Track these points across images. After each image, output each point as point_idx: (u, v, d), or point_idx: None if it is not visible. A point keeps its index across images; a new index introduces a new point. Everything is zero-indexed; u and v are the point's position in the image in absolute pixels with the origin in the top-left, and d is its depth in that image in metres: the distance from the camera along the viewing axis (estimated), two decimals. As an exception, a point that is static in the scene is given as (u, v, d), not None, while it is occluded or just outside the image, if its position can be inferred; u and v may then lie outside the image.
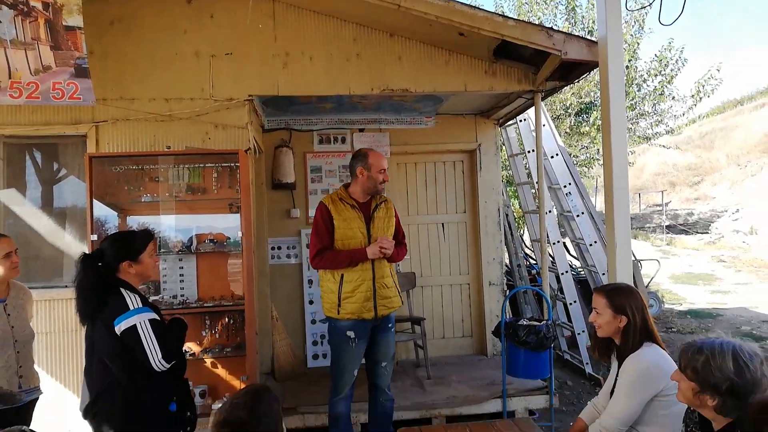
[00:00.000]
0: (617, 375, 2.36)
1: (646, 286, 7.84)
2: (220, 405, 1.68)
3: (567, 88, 12.27)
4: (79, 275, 2.40)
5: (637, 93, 12.51)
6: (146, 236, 2.59)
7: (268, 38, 4.09)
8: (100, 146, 3.95)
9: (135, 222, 4.04)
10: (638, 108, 12.94)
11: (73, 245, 4.06)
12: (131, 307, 2.38)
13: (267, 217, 5.07)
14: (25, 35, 3.48)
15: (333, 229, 3.28)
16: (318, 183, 5.25)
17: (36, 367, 3.07)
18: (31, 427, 2.91)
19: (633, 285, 2.68)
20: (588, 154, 13.34)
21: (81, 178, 4.04)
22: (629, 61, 12.21)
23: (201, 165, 4.04)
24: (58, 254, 4.08)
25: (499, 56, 4.20)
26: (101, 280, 2.42)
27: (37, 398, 3.06)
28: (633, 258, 7.21)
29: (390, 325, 3.44)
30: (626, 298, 2.34)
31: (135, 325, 2.35)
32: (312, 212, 5.14)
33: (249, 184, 3.92)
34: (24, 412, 2.94)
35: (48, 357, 3.82)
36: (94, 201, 3.68)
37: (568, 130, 13.51)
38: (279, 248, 5.16)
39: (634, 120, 13.83)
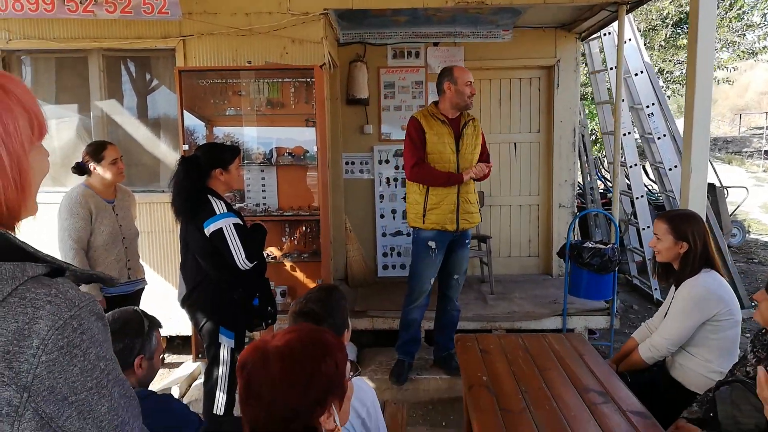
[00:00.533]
0: (673, 298, 2.42)
1: (731, 214, 7.48)
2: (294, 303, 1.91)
3: (665, -3, 11.22)
4: (178, 175, 2.71)
5: (745, 1, 11.25)
6: (235, 150, 2.88)
7: (345, -52, 4.04)
8: (187, 60, 4.16)
9: (221, 132, 4.29)
10: (746, 18, 11.67)
11: (168, 153, 4.41)
12: (218, 212, 2.66)
13: (341, 132, 5.22)
14: (118, -50, 3.63)
15: (425, 143, 3.39)
16: (391, 99, 5.28)
17: (141, 261, 3.51)
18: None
19: (706, 212, 2.65)
20: (684, 70, 12.34)
21: (171, 90, 4.30)
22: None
23: (279, 80, 4.18)
24: (154, 161, 4.45)
25: (585, -35, 3.94)
26: (195, 184, 2.71)
27: (143, 288, 3.52)
28: (719, 184, 6.89)
29: (467, 241, 3.63)
30: (689, 225, 2.34)
31: (222, 228, 2.64)
32: (384, 129, 5.27)
33: (324, 100, 4.04)
34: (132, 299, 3.39)
35: (150, 253, 4.29)
36: (187, 113, 3.96)
37: (663, 43, 12.49)
38: (353, 163, 5.34)
39: (740, 32, 12.55)
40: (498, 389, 2.14)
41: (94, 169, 3.15)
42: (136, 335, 1.79)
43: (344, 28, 5.10)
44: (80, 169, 3.15)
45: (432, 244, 3.48)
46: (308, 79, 4.11)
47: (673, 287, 2.48)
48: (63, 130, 4.42)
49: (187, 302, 2.89)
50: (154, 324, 1.90)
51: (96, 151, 3.16)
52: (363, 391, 1.71)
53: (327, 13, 4.15)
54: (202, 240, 2.71)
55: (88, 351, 0.83)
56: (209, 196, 2.72)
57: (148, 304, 3.64)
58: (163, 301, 3.90)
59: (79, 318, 0.82)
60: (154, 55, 4.37)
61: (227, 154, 2.81)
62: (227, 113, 4.22)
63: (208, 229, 2.66)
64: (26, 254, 0.84)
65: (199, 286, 2.81)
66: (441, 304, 3.75)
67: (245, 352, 1.15)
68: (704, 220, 2.43)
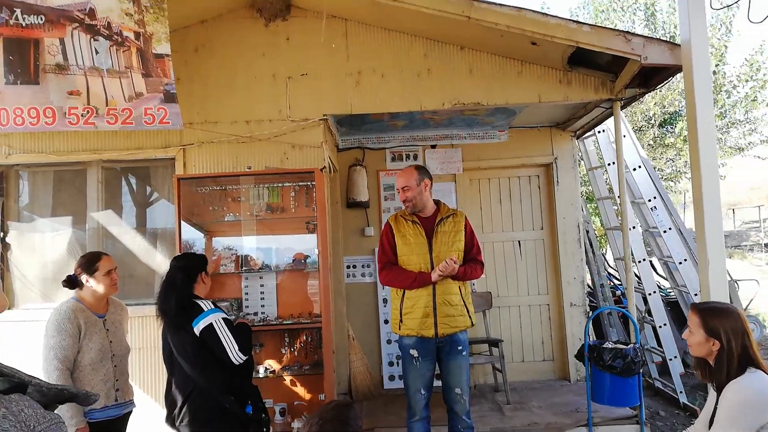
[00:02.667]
0: (716, 403, 2.16)
1: (745, 309, 7.23)
2: (303, 421, 1.69)
3: (648, 98, 11.75)
4: (176, 282, 2.79)
5: (726, 100, 11.79)
6: (205, 257, 3.06)
7: (341, 57, 4.18)
8: (187, 168, 4.16)
9: (220, 244, 4.21)
10: (728, 116, 12.16)
11: (163, 264, 4.27)
12: (205, 309, 2.70)
13: (342, 236, 5.13)
14: (119, 64, 3.73)
15: (395, 246, 3.28)
16: (391, 201, 5.26)
17: (130, 381, 3.23)
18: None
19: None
20: (674, 167, 12.65)
21: (170, 201, 4.26)
22: (716, 66, 11.53)
23: (279, 184, 4.16)
24: (149, 273, 4.30)
25: (574, 65, 4.06)
26: (188, 291, 2.79)
27: (131, 411, 3.20)
28: (729, 278, 6.71)
29: (459, 348, 3.27)
30: (722, 321, 2.13)
31: (212, 323, 2.66)
32: (386, 230, 5.18)
33: (325, 202, 3.98)
34: (119, 424, 3.09)
35: (140, 372, 4.01)
36: (182, 222, 3.88)
37: (651, 142, 12.89)
38: (354, 267, 5.20)
39: (724, 130, 13.01)
40: None
41: (87, 281, 2.98)
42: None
43: (343, 134, 5.19)
44: (71, 282, 2.99)
45: (414, 352, 3.23)
46: (309, 183, 4.09)
47: (712, 391, 2.23)
48: (56, 243, 4.31)
49: (176, 420, 2.70)
50: None
51: (89, 262, 3.02)
52: None
53: (326, 118, 4.22)
54: (191, 344, 2.68)
55: None
56: (195, 300, 2.78)
57: (136, 429, 3.32)
58: (154, 425, 3.55)
59: None
60: (154, 164, 4.38)
61: (203, 259, 2.99)
62: (226, 219, 4.15)
63: (198, 327, 2.66)
64: None
65: (189, 400, 2.68)
66: (450, 422, 3.40)
67: None
68: (741, 315, 2.21)
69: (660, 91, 11.53)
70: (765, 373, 2.12)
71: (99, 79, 3.69)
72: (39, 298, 4.19)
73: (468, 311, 3.29)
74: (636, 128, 13.00)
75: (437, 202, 3.42)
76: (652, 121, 12.50)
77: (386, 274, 3.29)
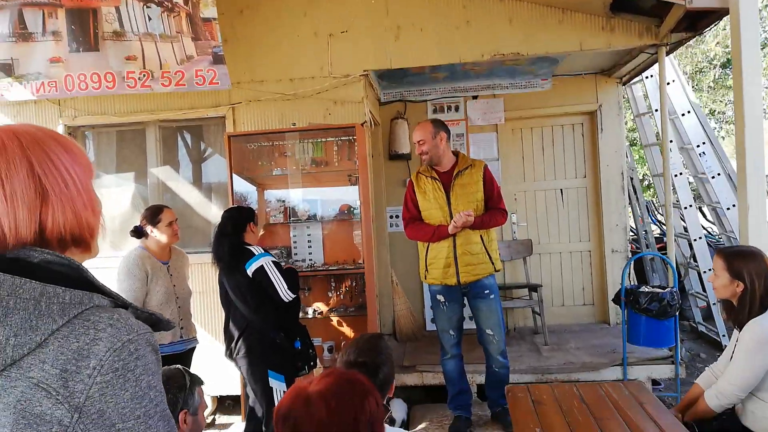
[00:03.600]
0: (737, 340, 2.26)
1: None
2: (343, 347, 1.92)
3: (710, 38, 11.11)
4: (226, 230, 3.11)
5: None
6: (253, 209, 3.36)
7: (380, 13, 4.24)
8: (236, 126, 4.40)
9: (272, 196, 4.48)
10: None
11: (218, 216, 4.54)
12: (256, 253, 3.00)
13: (385, 187, 5.30)
14: (170, 29, 3.94)
15: (417, 202, 3.45)
16: (433, 152, 5.35)
17: (193, 320, 3.60)
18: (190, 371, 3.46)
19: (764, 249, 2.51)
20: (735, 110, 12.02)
21: (223, 156, 4.52)
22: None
23: (323, 139, 4.34)
24: (206, 224, 4.63)
25: (617, 10, 3.98)
26: (238, 237, 3.09)
27: (194, 347, 3.58)
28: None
29: (486, 291, 3.39)
30: (746, 263, 2.21)
31: (263, 264, 2.96)
32: (427, 181, 5.32)
33: (366, 156, 4.14)
34: (184, 358, 3.46)
35: (201, 313, 4.38)
36: (234, 176, 4.15)
37: (712, 84, 12.27)
38: (397, 216, 5.38)
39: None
40: (552, 441, 2.03)
41: (151, 231, 3.31)
42: (179, 390, 1.83)
43: (384, 87, 5.28)
44: (138, 232, 3.31)
45: (440, 297, 3.43)
46: (350, 137, 4.25)
47: (735, 329, 2.33)
48: (121, 197, 4.69)
49: (234, 353, 3.06)
50: (196, 381, 1.93)
51: (153, 214, 3.34)
52: None
53: (367, 74, 4.32)
54: (245, 284, 2.99)
55: (140, 378, 0.85)
56: (246, 245, 3.07)
57: (200, 362, 3.70)
58: (215, 360, 3.94)
59: (137, 343, 0.86)
60: (206, 123, 4.63)
61: (251, 211, 3.31)
62: (274, 173, 4.38)
63: (251, 269, 2.96)
64: (95, 288, 0.91)
65: (244, 335, 3.03)
66: (486, 361, 3.60)
67: (284, 401, 1.16)
68: (765, 257, 2.29)
69: (724, 29, 10.87)
70: (786, 313, 2.21)
71: (153, 44, 3.92)
72: (109, 248, 4.61)
73: (491, 258, 3.38)
74: (697, 69, 12.37)
75: (456, 154, 3.50)
76: (714, 62, 11.86)
77: (410, 230, 3.48)
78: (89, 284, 0.90)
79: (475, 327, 3.55)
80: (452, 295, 3.42)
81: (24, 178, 0.87)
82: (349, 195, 4.35)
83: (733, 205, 5.19)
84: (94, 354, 0.82)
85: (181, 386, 1.84)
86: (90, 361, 0.81)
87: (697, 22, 3.89)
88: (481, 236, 3.37)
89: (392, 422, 3.90)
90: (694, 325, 5.78)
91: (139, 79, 4.02)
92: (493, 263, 3.40)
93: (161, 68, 4.01)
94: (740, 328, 2.28)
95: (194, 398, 1.86)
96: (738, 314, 2.27)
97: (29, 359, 0.81)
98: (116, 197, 4.70)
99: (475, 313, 3.47)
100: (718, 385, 2.26)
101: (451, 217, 3.31)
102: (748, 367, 2.16)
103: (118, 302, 0.92)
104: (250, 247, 3.06)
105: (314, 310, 4.26)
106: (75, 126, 4.63)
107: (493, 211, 3.39)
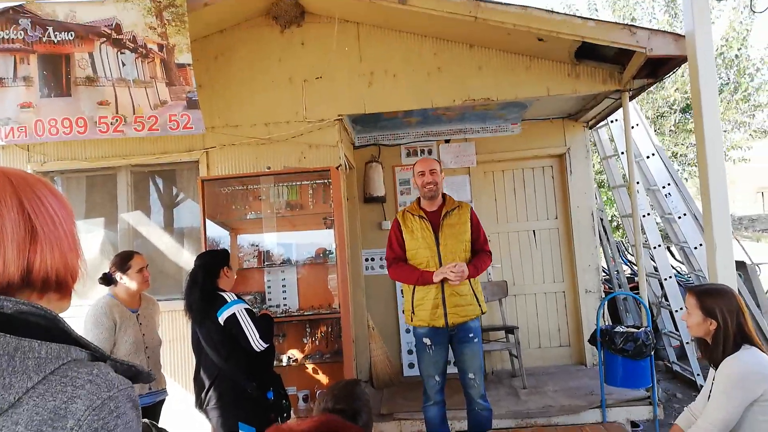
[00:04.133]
0: (713, 379, 2.27)
1: (767, 292, 7.18)
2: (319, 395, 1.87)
3: (669, 84, 11.62)
4: (197, 278, 3.02)
5: (750, 84, 11.57)
6: (227, 252, 3.29)
7: (354, 59, 4.34)
8: (210, 170, 4.37)
9: (245, 241, 4.42)
10: (752, 100, 11.95)
11: (191, 262, 4.46)
12: (228, 300, 2.93)
13: (360, 230, 5.30)
14: (144, 75, 3.96)
15: (404, 241, 3.40)
16: (407, 195, 5.41)
17: (162, 371, 3.47)
18: (159, 425, 3.31)
19: (739, 290, 2.56)
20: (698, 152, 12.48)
21: (196, 201, 4.48)
22: (739, 49, 11.34)
23: (298, 183, 4.34)
24: (178, 270, 4.54)
25: (582, 57, 4.15)
26: (210, 284, 3.01)
27: (164, 399, 3.43)
28: (750, 261, 6.70)
29: (471, 335, 3.36)
30: (717, 301, 2.24)
31: (235, 312, 2.89)
32: (402, 224, 5.34)
33: (341, 198, 4.15)
34: (153, 411, 3.32)
35: (172, 362, 4.24)
36: (207, 221, 4.10)
37: (673, 128, 12.75)
38: (372, 259, 5.37)
39: (748, 113, 12.79)
40: (535, 489, 1.98)
41: (121, 278, 3.21)
42: (146, 445, 1.74)
43: (359, 132, 5.35)
44: (107, 279, 3.22)
45: (426, 340, 3.36)
46: (326, 180, 4.26)
47: (711, 368, 2.34)
48: (89, 244, 4.57)
49: (204, 403, 2.97)
50: None
51: (123, 261, 3.25)
52: None
53: (341, 118, 4.38)
54: (216, 332, 2.91)
55: None
56: (219, 292, 3.00)
57: (169, 415, 3.56)
58: (186, 412, 3.79)
59: (117, 400, 0.82)
60: (179, 167, 4.60)
61: (225, 254, 3.24)
62: (248, 217, 4.35)
63: (222, 317, 2.89)
64: (71, 339, 0.86)
65: (215, 384, 2.93)
66: (467, 405, 3.54)
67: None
68: (736, 295, 2.32)
69: (683, 76, 11.43)
70: (759, 349, 2.23)
71: (126, 90, 3.92)
72: (76, 296, 4.45)
73: (477, 300, 3.37)
74: (658, 114, 12.87)
75: (443, 196, 3.53)
76: (674, 107, 12.36)
77: (393, 271, 3.43)
78: (66, 336, 0.86)
79: (455, 372, 3.50)
80: (439, 338, 3.36)
81: (15, 216, 0.85)
82: (324, 238, 4.33)
83: (700, 245, 5.33)
84: (72, 413, 0.77)
85: (148, 442, 1.75)
86: (67, 421, 0.77)
87: (657, 69, 4.07)
88: (468, 279, 3.33)
89: (370, 473, 3.78)
90: (668, 365, 5.81)
91: (111, 124, 4.00)
92: (480, 305, 3.38)
93: (134, 113, 4.00)
94: (716, 367, 2.29)
95: (162, 454, 1.77)
96: (713, 352, 2.28)
97: (1, 421, 0.76)
98: (85, 244, 4.56)
99: (458, 357, 3.42)
100: (698, 425, 2.25)
101: (440, 258, 3.28)
102: (725, 405, 2.16)
103: (96, 355, 0.88)
104: (223, 294, 2.99)
105: (289, 358, 4.16)
106: (44, 171, 4.54)
107: (481, 255, 3.38)
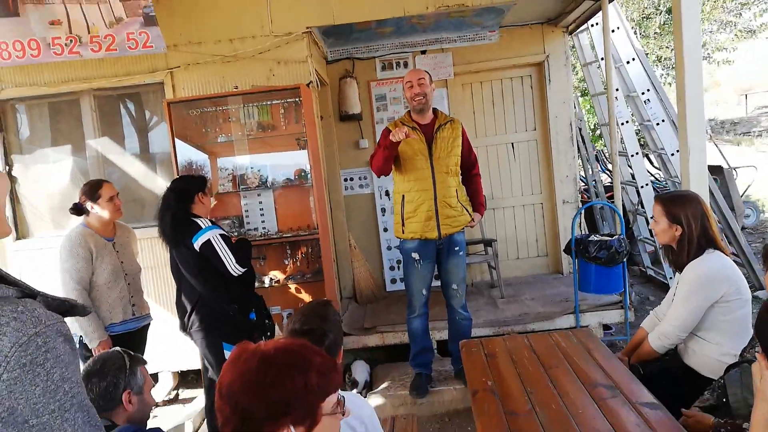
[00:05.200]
0: (677, 283, 2.34)
1: (742, 195, 7.33)
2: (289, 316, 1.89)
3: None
4: (168, 203, 2.97)
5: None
6: (204, 177, 3.19)
7: (321, -35, 4.06)
8: (176, 91, 4.20)
9: (221, 161, 4.31)
10: (740, -3, 11.59)
11: (165, 188, 4.42)
12: (203, 226, 2.89)
13: (337, 150, 5.21)
14: (96, -12, 3.69)
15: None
16: (384, 111, 5.28)
17: (145, 297, 3.50)
18: (146, 348, 3.40)
19: (713, 193, 2.58)
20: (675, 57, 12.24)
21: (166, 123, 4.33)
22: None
23: (268, 102, 4.19)
24: (153, 197, 4.45)
25: (561, -43, 3.93)
26: (183, 209, 2.96)
27: (148, 324, 3.50)
28: (727, 165, 6.77)
29: (457, 248, 3.48)
30: (683, 207, 2.27)
31: (210, 239, 2.86)
32: (379, 141, 5.26)
33: (314, 118, 4.04)
34: (138, 336, 3.39)
35: (155, 288, 4.28)
36: (182, 144, 3.98)
37: (658, 30, 12.42)
38: (351, 179, 5.32)
39: (736, 12, 12.45)
40: (503, 392, 2.08)
41: (92, 208, 3.16)
42: (118, 371, 1.77)
43: (331, 45, 5.12)
44: (78, 209, 3.16)
45: (415, 255, 3.42)
46: (297, 99, 4.12)
47: (677, 272, 2.41)
48: (59, 173, 4.46)
49: (187, 326, 3.02)
50: (137, 360, 1.88)
51: (92, 190, 3.18)
52: (359, 407, 1.67)
53: (310, 31, 4.17)
54: (192, 258, 2.90)
55: (51, 371, 0.81)
56: (193, 218, 2.95)
57: (157, 339, 3.64)
58: (173, 336, 3.87)
59: (45, 335, 0.81)
60: (144, 90, 4.41)
61: (201, 180, 3.14)
62: (219, 140, 4.24)
63: (197, 243, 2.86)
64: None
65: (196, 308, 2.96)
66: (448, 315, 3.68)
67: (237, 348, 1.14)
68: (701, 200, 2.35)
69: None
70: (723, 253, 2.29)
71: (77, 6, 3.67)
72: (51, 227, 4.41)
73: (466, 209, 3.47)
74: (643, 16, 12.48)
75: (434, 110, 3.48)
76: (660, 8, 11.98)
77: (372, 162, 3.38)
78: None
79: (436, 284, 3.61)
80: (428, 252, 3.43)
81: None
82: (300, 159, 4.25)
83: (677, 151, 5.33)
84: None
85: (119, 367, 1.78)
86: None
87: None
88: (456, 191, 3.40)
89: (355, 384, 3.95)
90: (643, 269, 6.01)
91: (66, 45, 3.78)
92: (469, 213, 3.48)
93: (89, 32, 3.78)
94: (681, 271, 2.35)
95: (137, 377, 1.82)
96: (678, 257, 2.34)
97: None
98: (54, 173, 4.47)
99: (444, 269, 3.52)
100: (661, 327, 2.35)
101: (433, 170, 3.30)
102: (687, 307, 2.24)
103: (25, 291, 0.87)
104: (197, 220, 2.94)
105: (271, 279, 4.21)
106: (3, 99, 4.34)
107: (478, 186, 3.60)
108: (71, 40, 3.77)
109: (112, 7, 3.75)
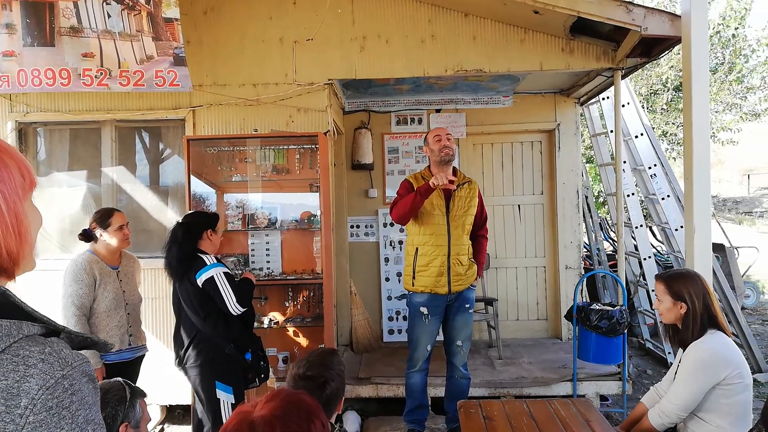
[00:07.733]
0: (680, 361, 2.35)
1: (743, 275, 7.35)
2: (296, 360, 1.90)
3: (664, 62, 11.56)
4: (177, 237, 3.00)
5: (744, 65, 11.54)
6: (217, 215, 3.24)
7: (347, 22, 4.25)
8: (196, 129, 4.31)
9: (233, 199, 4.38)
10: (746, 81, 11.94)
11: (174, 220, 4.46)
12: (208, 263, 2.93)
13: (347, 197, 5.29)
14: (130, 28, 3.84)
15: None
16: (395, 164, 5.39)
17: (143, 327, 3.49)
18: (138, 379, 3.37)
19: (715, 272, 2.61)
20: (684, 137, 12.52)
21: (182, 158, 4.42)
22: (736, 29, 11.27)
23: (285, 147, 4.30)
24: (161, 228, 4.51)
25: (577, 33, 4.10)
26: (190, 245, 3.00)
27: (143, 355, 3.48)
28: (729, 244, 6.82)
29: (467, 305, 3.51)
30: (685, 285, 2.30)
31: (213, 276, 2.89)
32: (389, 192, 5.35)
33: (328, 165, 4.13)
34: (133, 366, 3.37)
35: (153, 320, 4.27)
36: (194, 179, 4.06)
37: (665, 106, 12.75)
38: (358, 227, 5.38)
39: (741, 95, 12.80)
40: (500, 459, 2.06)
41: (101, 235, 3.21)
42: (118, 402, 1.78)
43: (349, 96, 5.28)
44: (87, 235, 3.20)
45: (424, 310, 3.43)
46: (313, 145, 4.22)
47: (680, 350, 2.41)
48: (72, 197, 4.53)
49: (183, 360, 3.02)
50: (137, 393, 1.88)
51: (103, 217, 3.24)
52: None
53: (331, 83, 4.32)
54: (194, 293, 2.93)
55: (76, 413, 0.81)
56: (199, 254, 2.99)
57: (149, 371, 3.60)
58: (165, 368, 3.84)
59: (71, 378, 0.82)
60: (165, 125, 4.53)
61: (213, 218, 3.19)
62: (233, 179, 4.32)
63: (201, 279, 2.90)
64: (23, 313, 0.84)
65: (193, 343, 2.97)
66: (448, 372, 3.65)
67: (228, 425, 1.13)
68: (702, 278, 2.38)
69: (678, 53, 11.36)
70: (725, 333, 2.30)
71: (111, 42, 3.82)
72: (57, 249, 4.44)
73: (474, 267, 3.53)
74: (651, 92, 12.83)
75: (454, 169, 3.57)
76: (668, 85, 12.33)
77: (395, 211, 3.37)
78: (17, 310, 0.84)
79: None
80: (437, 307, 3.44)
81: None
82: (310, 203, 4.32)
83: (681, 227, 5.39)
84: (25, 392, 0.77)
85: (120, 399, 1.78)
86: (21, 400, 0.76)
87: (651, 48, 4.04)
88: (467, 248, 3.49)
89: (345, 435, 3.88)
90: (642, 341, 5.97)
91: (96, 77, 3.90)
92: (475, 273, 3.54)
93: (120, 67, 3.90)
94: (684, 348, 2.36)
95: (135, 411, 1.81)
96: (682, 335, 2.35)
97: None
98: (67, 197, 4.54)
99: (450, 325, 3.53)
100: (661, 405, 2.33)
101: (448, 226, 3.38)
102: (689, 388, 2.23)
103: (50, 327, 0.87)
104: (203, 256, 2.97)
105: (270, 320, 4.20)
106: (26, 122, 4.45)
107: (482, 244, 3.65)
108: (101, 73, 3.90)
109: (144, 45, 3.90)
